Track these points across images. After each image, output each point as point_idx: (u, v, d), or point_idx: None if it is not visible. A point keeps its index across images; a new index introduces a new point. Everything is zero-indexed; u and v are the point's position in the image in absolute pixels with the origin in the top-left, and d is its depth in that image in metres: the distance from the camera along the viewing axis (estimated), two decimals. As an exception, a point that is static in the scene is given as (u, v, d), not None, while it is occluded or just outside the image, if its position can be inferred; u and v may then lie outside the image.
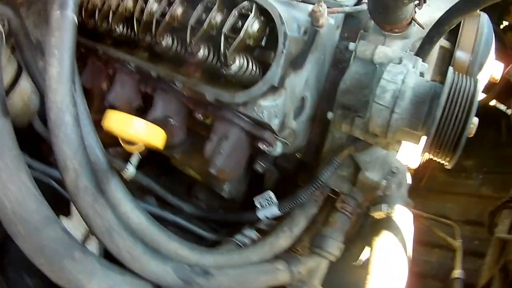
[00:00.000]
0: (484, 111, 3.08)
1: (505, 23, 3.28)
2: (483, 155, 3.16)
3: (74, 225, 1.50)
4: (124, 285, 1.15)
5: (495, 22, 2.82)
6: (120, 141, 1.36)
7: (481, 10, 1.71)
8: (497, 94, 3.25)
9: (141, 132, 1.16)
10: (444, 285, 2.29)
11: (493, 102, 3.40)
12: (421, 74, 1.36)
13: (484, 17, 1.71)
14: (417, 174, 2.26)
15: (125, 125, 1.16)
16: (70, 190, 1.15)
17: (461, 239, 2.20)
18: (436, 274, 2.48)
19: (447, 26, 1.37)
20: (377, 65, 1.43)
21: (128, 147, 1.35)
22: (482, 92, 3.16)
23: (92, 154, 1.30)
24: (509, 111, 3.18)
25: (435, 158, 1.28)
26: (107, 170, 1.34)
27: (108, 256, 1.22)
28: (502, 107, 3.37)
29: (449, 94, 1.17)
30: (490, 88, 3.16)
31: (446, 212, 2.77)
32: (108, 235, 1.18)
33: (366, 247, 1.93)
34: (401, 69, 1.29)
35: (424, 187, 2.91)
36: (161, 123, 1.47)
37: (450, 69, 1.24)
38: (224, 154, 1.44)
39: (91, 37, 1.74)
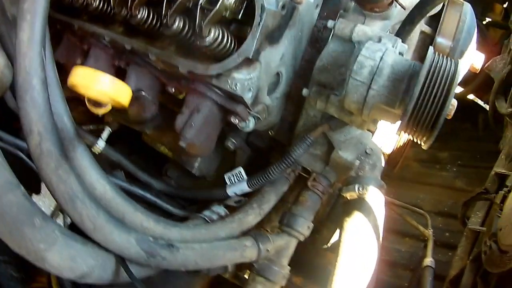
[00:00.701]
0: (462, 105, 3.09)
1: (488, 19, 3.35)
2: (458, 148, 3.19)
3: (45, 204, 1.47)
4: (85, 255, 1.12)
5: (478, 18, 2.83)
6: (87, 103, 1.32)
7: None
8: (476, 88, 3.29)
9: (107, 88, 1.12)
10: (414, 275, 2.29)
11: (471, 97, 3.43)
12: (401, 55, 1.34)
13: (467, 6, 1.71)
14: (390, 161, 2.26)
15: (91, 80, 1.12)
16: (34, 155, 1.11)
17: (433, 230, 2.19)
18: (406, 263, 2.50)
19: (430, 7, 1.37)
20: (355, 44, 1.40)
21: (94, 109, 1.31)
22: (461, 86, 3.20)
23: (59, 121, 1.25)
24: (487, 106, 3.16)
25: (411, 137, 1.26)
26: (74, 138, 1.30)
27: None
28: (481, 102, 3.41)
29: (429, 71, 1.16)
30: (468, 81, 3.19)
31: (418, 202, 2.80)
32: (71, 202, 1.13)
33: (337, 229, 1.93)
34: (380, 47, 1.27)
35: (398, 176, 2.90)
36: (134, 96, 1.43)
37: (431, 48, 1.23)
38: (195, 127, 1.42)
39: (67, 13, 1.70)
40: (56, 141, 1.12)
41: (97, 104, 1.33)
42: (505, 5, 3.19)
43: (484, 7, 3.27)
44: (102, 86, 1.07)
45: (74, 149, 1.29)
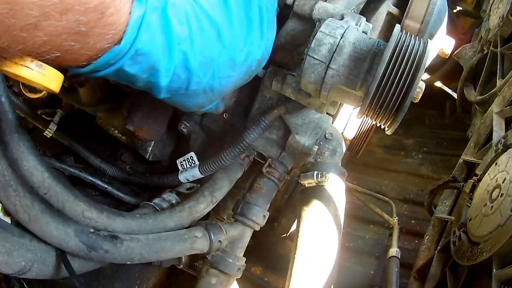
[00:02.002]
0: (429, 92, 3.08)
1: (459, 8, 3.33)
2: (424, 135, 3.18)
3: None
4: (22, 249, 1.05)
5: (449, 6, 2.82)
6: (21, 87, 1.23)
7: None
8: (443, 75, 3.31)
9: (34, 74, 1.03)
10: (379, 262, 2.28)
11: (438, 84, 3.44)
12: (364, 34, 1.24)
13: None
14: (353, 146, 2.22)
15: (17, 67, 1.03)
16: None
17: (397, 217, 2.15)
18: (371, 250, 2.48)
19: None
20: (316, 22, 1.31)
21: (29, 94, 1.23)
22: (428, 72, 3.19)
23: None
24: (454, 94, 3.17)
25: (374, 121, 1.18)
26: (11, 121, 1.20)
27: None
28: (448, 89, 3.42)
29: (394, 50, 1.07)
30: (436, 68, 3.20)
31: (383, 189, 2.80)
32: (4, 191, 1.05)
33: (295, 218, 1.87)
34: (341, 24, 1.18)
35: (361, 162, 2.90)
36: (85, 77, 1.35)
37: (397, 26, 1.14)
38: (142, 110, 1.32)
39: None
40: None
41: (32, 89, 1.24)
42: None
43: (456, -5, 3.28)
44: (28, 73, 0.98)
45: (11, 133, 1.19)
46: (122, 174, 1.79)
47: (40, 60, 0.83)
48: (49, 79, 0.92)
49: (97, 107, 1.71)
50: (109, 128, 1.80)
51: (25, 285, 1.52)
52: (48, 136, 1.72)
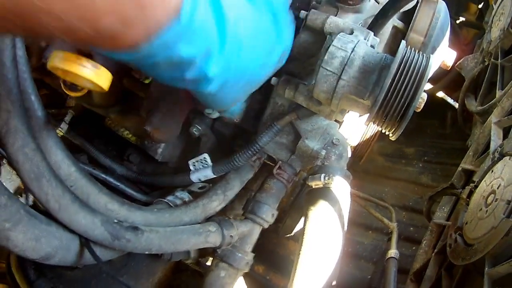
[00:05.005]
0: (431, 102, 3.18)
1: (462, 18, 3.41)
2: (425, 145, 3.28)
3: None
4: (49, 236, 1.14)
5: (452, 17, 2.89)
6: (62, 86, 1.35)
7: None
8: (446, 86, 3.37)
9: (89, 73, 1.15)
10: (377, 267, 2.37)
11: (441, 94, 3.51)
12: (372, 47, 1.39)
13: (442, 4, 1.74)
14: (356, 153, 2.33)
15: (73, 65, 1.14)
16: (0, 133, 1.12)
17: (397, 224, 2.23)
18: (369, 255, 2.58)
19: (404, 1, 1.41)
20: (327, 35, 1.46)
21: (70, 92, 1.34)
22: (431, 83, 3.28)
23: (27, 100, 1.27)
24: (456, 104, 3.26)
25: (380, 128, 1.33)
26: (40, 118, 1.31)
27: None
28: (450, 100, 3.49)
29: (400, 63, 1.22)
30: (439, 79, 3.27)
31: (383, 196, 2.88)
32: (37, 181, 1.15)
33: (299, 219, 1.98)
34: (351, 38, 1.33)
35: (363, 169, 2.98)
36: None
37: (403, 42, 1.29)
38: (161, 112, 1.45)
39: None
40: (23, 119, 1.14)
41: (73, 87, 1.35)
42: (480, 6, 3.25)
43: (459, 6, 3.34)
44: (85, 72, 1.09)
45: (41, 129, 1.31)
46: (131, 173, 1.90)
47: (99, 40, 0.83)
48: (102, 78, 1.05)
49: (109, 109, 1.81)
50: (119, 129, 1.90)
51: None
52: (59, 136, 1.80)
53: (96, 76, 1.04)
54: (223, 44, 1.05)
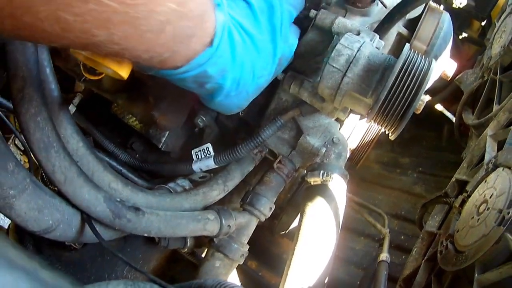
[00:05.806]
0: (429, 114, 3.24)
1: (465, 34, 3.44)
2: (421, 155, 3.31)
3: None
4: (52, 208, 1.15)
5: (455, 32, 2.93)
6: (82, 68, 1.39)
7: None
8: (444, 98, 3.39)
9: (112, 62, 1.19)
10: (366, 272, 2.39)
11: (439, 107, 3.55)
12: (377, 49, 1.44)
13: (446, 15, 1.79)
14: (353, 157, 2.37)
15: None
16: (15, 99, 1.12)
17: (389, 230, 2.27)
18: (359, 261, 2.61)
19: (410, 7, 1.47)
20: (334, 35, 1.51)
21: (88, 75, 1.39)
22: (430, 95, 3.32)
23: (42, 72, 1.27)
24: (453, 117, 3.29)
25: (380, 126, 1.38)
26: (54, 90, 1.33)
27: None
28: (447, 113, 3.52)
29: (403, 64, 1.27)
30: (437, 92, 3.32)
31: (376, 203, 2.90)
32: (45, 151, 1.16)
33: (295, 216, 2.02)
34: (358, 39, 1.39)
35: (358, 175, 3.01)
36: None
37: (407, 44, 1.35)
38: (168, 99, 1.48)
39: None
40: (38, 89, 1.15)
41: (92, 70, 1.41)
42: (483, 23, 3.28)
43: (462, 22, 3.37)
44: (108, 60, 1.12)
45: (53, 101, 1.32)
46: (134, 160, 1.92)
47: (149, 62, 0.98)
48: (124, 67, 1.09)
49: (117, 94, 1.83)
50: (125, 116, 1.92)
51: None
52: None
53: (118, 65, 1.07)
54: (234, 61, 1.20)
